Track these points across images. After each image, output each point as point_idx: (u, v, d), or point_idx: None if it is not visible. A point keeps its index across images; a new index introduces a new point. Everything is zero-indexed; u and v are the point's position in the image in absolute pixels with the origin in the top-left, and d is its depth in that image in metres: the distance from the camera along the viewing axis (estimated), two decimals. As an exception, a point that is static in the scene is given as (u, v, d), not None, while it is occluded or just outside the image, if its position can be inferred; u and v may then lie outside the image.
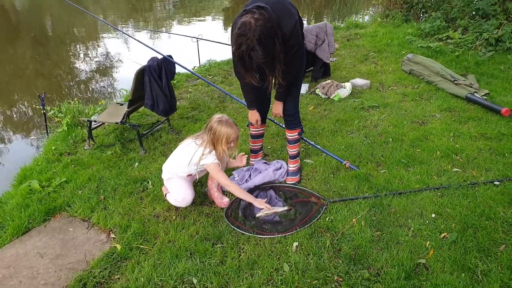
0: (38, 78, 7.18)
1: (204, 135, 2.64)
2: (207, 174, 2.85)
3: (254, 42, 2.11)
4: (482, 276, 2.10)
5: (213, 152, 2.63)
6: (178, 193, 2.71)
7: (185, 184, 2.72)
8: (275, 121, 3.79)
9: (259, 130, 3.18)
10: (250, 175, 3.14)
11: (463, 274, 2.11)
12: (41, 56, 8.78)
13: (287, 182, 3.07)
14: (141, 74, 3.51)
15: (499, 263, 2.17)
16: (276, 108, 2.93)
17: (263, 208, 2.71)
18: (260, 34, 2.10)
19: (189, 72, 4.55)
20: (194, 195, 2.75)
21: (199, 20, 12.47)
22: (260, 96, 2.91)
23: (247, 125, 3.24)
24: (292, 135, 3.03)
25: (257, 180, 3.03)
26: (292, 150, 3.09)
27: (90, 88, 6.96)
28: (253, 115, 2.96)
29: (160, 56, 3.76)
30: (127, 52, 8.90)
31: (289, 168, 3.14)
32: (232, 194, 2.88)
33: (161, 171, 2.81)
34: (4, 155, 4.75)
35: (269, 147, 3.63)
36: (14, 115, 5.87)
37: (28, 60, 8.40)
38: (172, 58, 3.87)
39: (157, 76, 3.60)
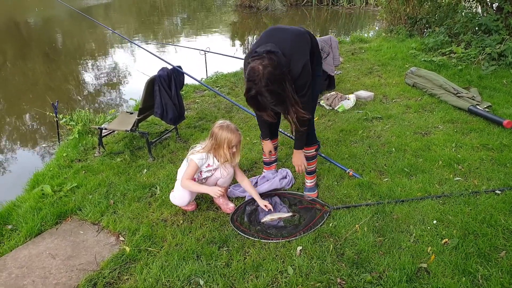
0: (49, 90, 7.36)
1: (207, 140, 2.73)
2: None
3: (262, 88, 2.19)
4: (483, 281, 2.14)
5: (204, 154, 2.71)
6: (177, 190, 2.80)
7: None
8: (287, 134, 3.82)
9: (272, 158, 3.25)
10: (257, 182, 3.21)
11: (463, 278, 2.15)
12: (52, 69, 8.99)
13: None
14: (151, 84, 3.61)
15: (499, 268, 2.21)
16: (296, 159, 2.89)
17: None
18: (267, 81, 2.18)
19: (196, 83, 4.66)
20: (190, 198, 2.80)
21: (208, 32, 12.71)
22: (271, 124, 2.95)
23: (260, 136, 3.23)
24: (309, 151, 2.98)
25: (264, 187, 3.10)
26: (309, 166, 3.04)
27: (98, 99, 7.12)
28: (267, 146, 3.02)
29: (170, 67, 3.87)
30: (134, 64, 9.08)
31: (306, 184, 3.12)
32: (238, 200, 2.99)
33: (169, 177, 2.88)
34: (17, 161, 4.88)
35: (274, 155, 3.71)
36: (28, 124, 6.02)
37: (39, 73, 8.60)
38: (182, 69, 3.99)
39: (167, 86, 3.71)
